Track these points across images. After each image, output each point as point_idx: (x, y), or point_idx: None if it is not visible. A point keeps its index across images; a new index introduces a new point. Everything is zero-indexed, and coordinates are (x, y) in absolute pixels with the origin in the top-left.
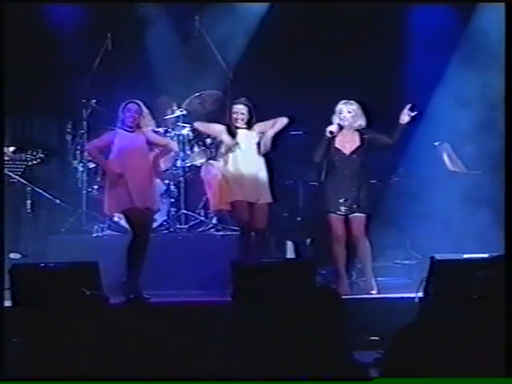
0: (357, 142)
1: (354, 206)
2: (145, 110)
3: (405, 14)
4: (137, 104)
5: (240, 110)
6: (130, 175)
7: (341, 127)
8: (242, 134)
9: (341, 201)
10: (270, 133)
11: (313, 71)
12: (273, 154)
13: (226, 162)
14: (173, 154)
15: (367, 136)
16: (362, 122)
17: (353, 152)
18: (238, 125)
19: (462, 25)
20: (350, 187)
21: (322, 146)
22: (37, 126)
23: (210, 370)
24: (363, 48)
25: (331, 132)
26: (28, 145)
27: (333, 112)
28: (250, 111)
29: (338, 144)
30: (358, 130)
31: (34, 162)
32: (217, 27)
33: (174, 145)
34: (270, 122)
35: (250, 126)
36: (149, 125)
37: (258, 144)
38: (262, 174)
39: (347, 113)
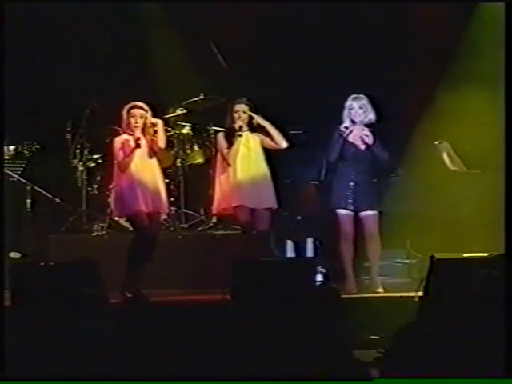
0: (371, 138)
1: (365, 202)
2: (149, 111)
3: (410, 11)
4: (141, 108)
5: (242, 108)
6: (137, 180)
7: (353, 122)
8: (244, 137)
9: (350, 196)
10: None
11: (314, 70)
12: (273, 153)
13: (228, 166)
14: (173, 152)
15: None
16: (371, 116)
17: (368, 147)
18: (240, 124)
19: (462, 24)
20: (362, 183)
21: (339, 144)
22: (37, 126)
23: (210, 369)
24: (367, 44)
25: (346, 127)
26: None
27: (342, 107)
28: (251, 111)
29: (351, 138)
30: (368, 125)
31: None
32: (217, 26)
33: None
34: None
35: (252, 128)
36: (153, 126)
37: (261, 148)
38: (266, 179)
39: (359, 108)
